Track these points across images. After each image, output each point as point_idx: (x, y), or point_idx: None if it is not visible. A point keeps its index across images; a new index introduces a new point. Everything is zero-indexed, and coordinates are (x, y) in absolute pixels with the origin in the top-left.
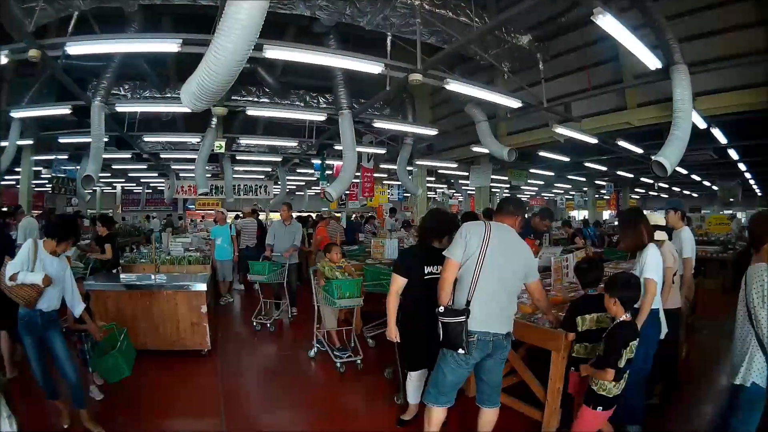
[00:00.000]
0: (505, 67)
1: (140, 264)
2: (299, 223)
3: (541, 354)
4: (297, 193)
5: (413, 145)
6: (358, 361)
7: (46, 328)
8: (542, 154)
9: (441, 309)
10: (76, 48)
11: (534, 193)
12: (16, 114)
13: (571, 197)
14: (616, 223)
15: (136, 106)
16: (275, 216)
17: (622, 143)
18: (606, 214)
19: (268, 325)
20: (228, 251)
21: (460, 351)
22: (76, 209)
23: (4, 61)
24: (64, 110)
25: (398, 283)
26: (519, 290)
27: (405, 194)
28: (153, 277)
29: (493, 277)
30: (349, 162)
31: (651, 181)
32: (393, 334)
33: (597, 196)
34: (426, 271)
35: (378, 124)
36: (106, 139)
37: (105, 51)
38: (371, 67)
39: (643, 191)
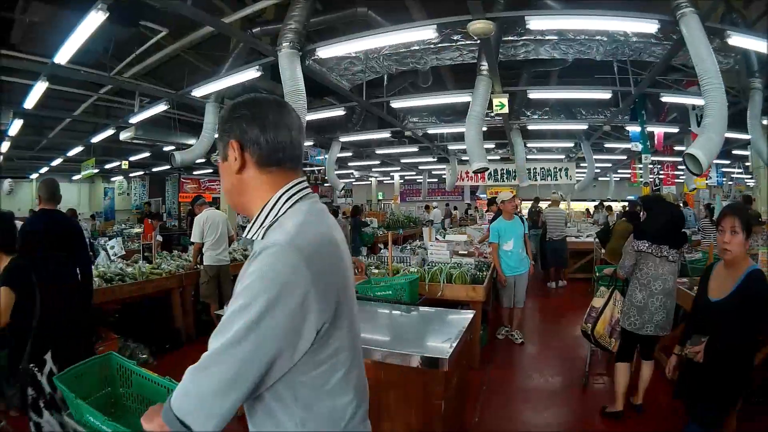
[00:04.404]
0: None
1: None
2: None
3: None
4: (600, 178)
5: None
6: None
7: None
8: None
9: None
10: None
11: None
12: (198, 92)
13: None
14: None
15: (337, 45)
16: (578, 206)
17: None
18: None
19: None
20: (511, 259)
21: None
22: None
23: None
24: (251, 73)
25: None
26: None
27: (725, 179)
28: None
29: None
30: (715, 96)
31: None
32: None
33: None
34: None
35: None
36: (341, 112)
37: None
38: None
39: None
